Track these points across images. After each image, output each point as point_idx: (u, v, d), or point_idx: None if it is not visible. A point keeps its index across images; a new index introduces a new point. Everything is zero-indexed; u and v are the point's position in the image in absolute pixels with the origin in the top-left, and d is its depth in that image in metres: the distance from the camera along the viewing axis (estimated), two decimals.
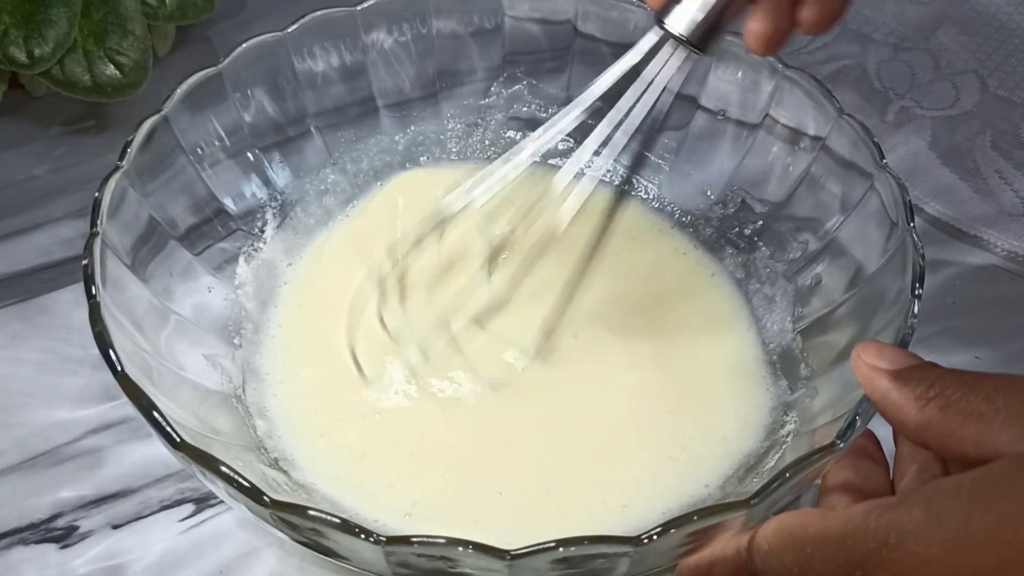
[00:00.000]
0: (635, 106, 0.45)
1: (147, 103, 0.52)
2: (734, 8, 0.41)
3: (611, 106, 0.46)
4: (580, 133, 0.47)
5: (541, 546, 0.35)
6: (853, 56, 0.69)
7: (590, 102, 0.46)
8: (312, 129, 0.56)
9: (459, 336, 0.49)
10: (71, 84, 0.59)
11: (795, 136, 0.53)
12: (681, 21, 0.42)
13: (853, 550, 0.33)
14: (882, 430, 0.41)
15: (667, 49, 0.43)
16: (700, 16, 0.41)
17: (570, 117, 0.47)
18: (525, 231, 0.49)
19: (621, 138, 0.46)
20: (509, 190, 0.48)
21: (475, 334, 0.49)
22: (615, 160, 0.50)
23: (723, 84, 0.55)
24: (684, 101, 0.57)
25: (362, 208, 0.57)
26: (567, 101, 0.58)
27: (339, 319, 0.52)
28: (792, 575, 0.35)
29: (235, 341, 0.50)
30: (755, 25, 0.41)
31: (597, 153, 0.47)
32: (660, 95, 0.44)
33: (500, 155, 0.57)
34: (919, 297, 0.43)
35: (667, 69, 0.44)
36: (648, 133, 0.46)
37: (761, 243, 0.54)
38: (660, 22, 0.43)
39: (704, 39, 0.42)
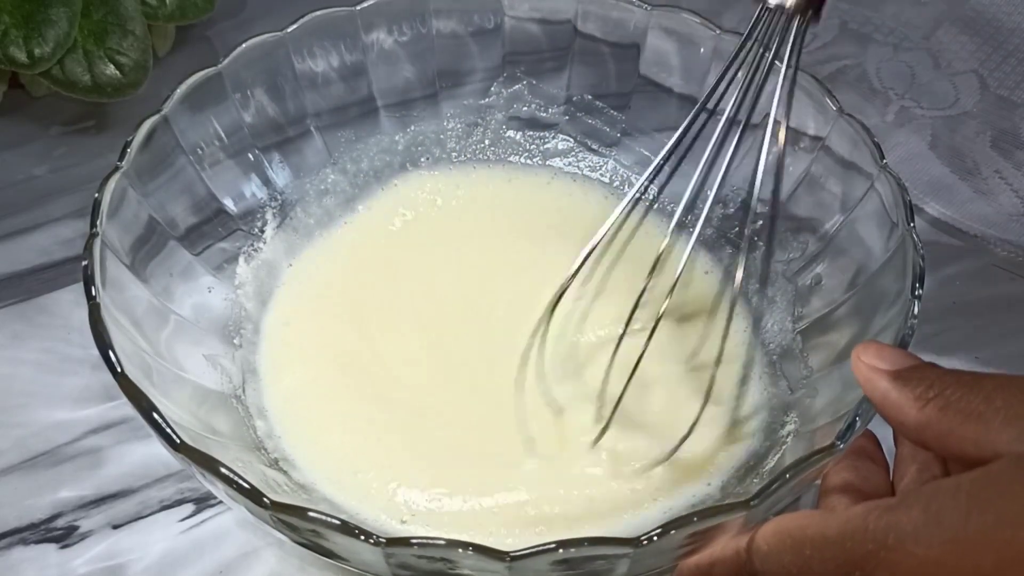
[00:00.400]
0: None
1: (147, 103, 0.52)
2: None
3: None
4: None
5: (541, 547, 0.35)
6: (853, 56, 0.69)
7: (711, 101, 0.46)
8: (312, 129, 0.56)
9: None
10: (71, 84, 0.59)
11: (795, 136, 0.53)
12: None
13: (852, 551, 0.33)
14: (882, 430, 0.41)
15: (781, 23, 0.43)
16: None
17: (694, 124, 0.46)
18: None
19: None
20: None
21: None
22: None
23: (723, 84, 0.55)
24: (684, 101, 0.57)
25: (364, 210, 0.57)
26: (567, 101, 0.59)
27: (339, 319, 0.52)
28: (791, 575, 0.35)
29: (235, 341, 0.50)
30: None
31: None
32: (790, 73, 0.43)
33: (499, 155, 0.58)
34: (919, 297, 0.43)
35: (786, 45, 0.43)
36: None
37: (761, 243, 0.54)
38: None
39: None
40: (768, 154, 0.43)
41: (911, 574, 0.31)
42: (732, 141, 0.45)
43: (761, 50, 0.44)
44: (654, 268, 0.46)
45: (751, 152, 0.45)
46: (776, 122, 0.43)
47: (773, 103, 0.43)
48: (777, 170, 0.45)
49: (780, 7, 0.42)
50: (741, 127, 0.45)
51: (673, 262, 0.47)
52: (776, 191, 0.46)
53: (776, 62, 0.44)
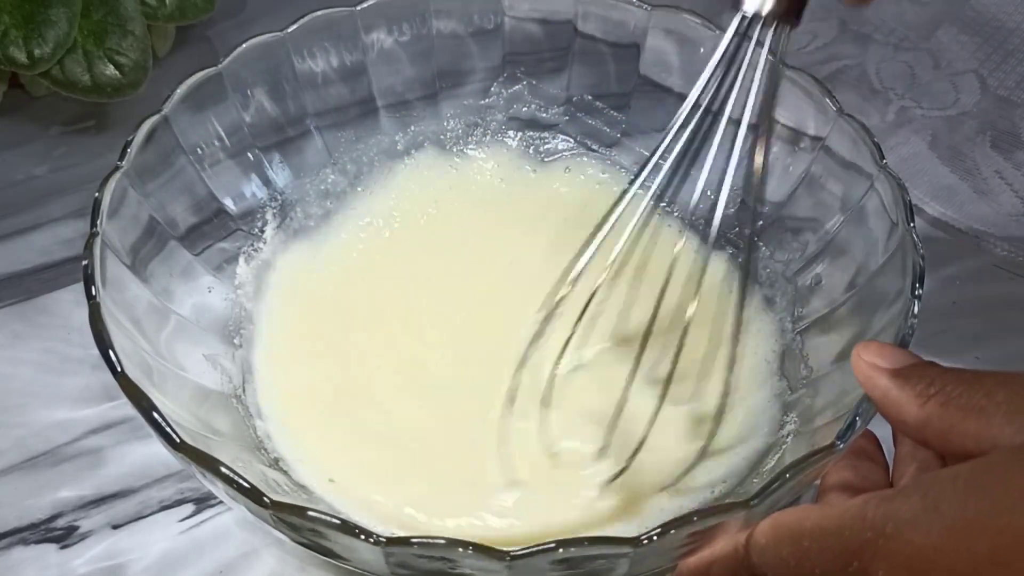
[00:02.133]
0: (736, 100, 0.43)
1: (147, 103, 0.52)
2: None
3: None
4: None
5: (541, 547, 0.35)
6: (853, 56, 0.69)
7: (688, 108, 0.44)
8: (312, 129, 0.56)
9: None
10: (71, 84, 0.59)
11: (795, 136, 0.53)
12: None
13: (850, 540, 0.32)
14: (882, 430, 0.41)
15: (758, 31, 0.42)
16: None
17: (671, 133, 0.45)
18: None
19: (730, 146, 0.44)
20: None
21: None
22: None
23: (710, 84, 0.55)
24: (684, 101, 0.57)
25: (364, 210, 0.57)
26: (567, 101, 0.59)
27: (338, 318, 0.52)
28: (789, 568, 0.35)
29: (235, 341, 0.50)
30: None
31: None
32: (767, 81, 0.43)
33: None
34: (919, 297, 0.43)
35: (762, 52, 0.42)
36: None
37: (761, 243, 0.54)
38: (737, 4, 0.41)
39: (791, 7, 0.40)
40: (751, 155, 0.43)
41: (909, 562, 0.31)
42: (737, 145, 0.44)
43: (741, 55, 0.43)
44: (668, 280, 0.45)
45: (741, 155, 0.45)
46: (754, 125, 0.43)
47: (748, 103, 0.43)
48: (757, 171, 0.44)
49: (757, 15, 0.41)
50: (744, 129, 0.44)
51: (682, 271, 0.45)
52: (756, 189, 0.45)
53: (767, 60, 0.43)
